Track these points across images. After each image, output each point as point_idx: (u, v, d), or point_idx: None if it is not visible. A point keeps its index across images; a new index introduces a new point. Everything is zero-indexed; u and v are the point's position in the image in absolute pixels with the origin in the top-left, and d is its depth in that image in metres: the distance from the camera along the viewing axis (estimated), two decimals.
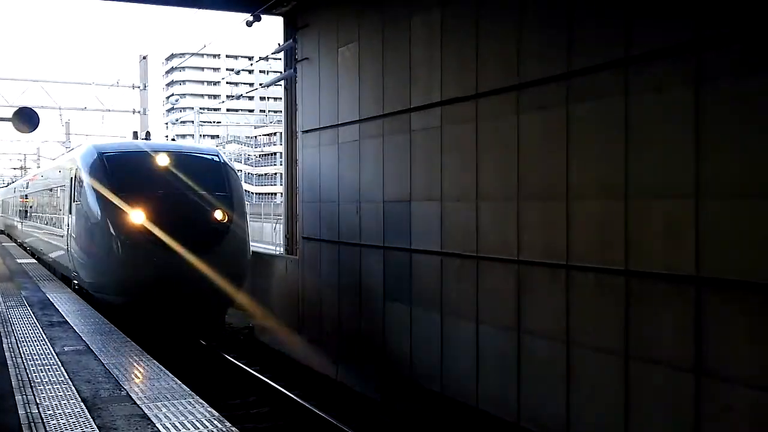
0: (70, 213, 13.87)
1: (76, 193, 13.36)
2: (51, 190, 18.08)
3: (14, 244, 29.00)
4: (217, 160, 13.95)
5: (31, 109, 15.75)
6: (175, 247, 11.47)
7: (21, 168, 60.35)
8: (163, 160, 12.69)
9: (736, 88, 6.39)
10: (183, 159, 13.25)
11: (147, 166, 12.64)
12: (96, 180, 12.38)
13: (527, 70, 9.14)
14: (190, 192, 12.43)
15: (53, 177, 17.79)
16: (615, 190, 7.48)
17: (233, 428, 5.47)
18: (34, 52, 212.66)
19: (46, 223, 18.68)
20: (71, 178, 13.89)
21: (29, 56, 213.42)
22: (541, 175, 8.91)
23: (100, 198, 12.15)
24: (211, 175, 13.20)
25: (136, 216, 11.76)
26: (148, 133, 15.35)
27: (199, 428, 5.44)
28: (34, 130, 15.78)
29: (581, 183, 8.03)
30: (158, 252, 11.54)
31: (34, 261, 20.39)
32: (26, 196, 25.68)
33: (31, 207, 23.73)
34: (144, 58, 28.16)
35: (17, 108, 15.63)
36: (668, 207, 6.97)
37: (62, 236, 14.97)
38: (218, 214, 12.36)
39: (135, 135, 16.28)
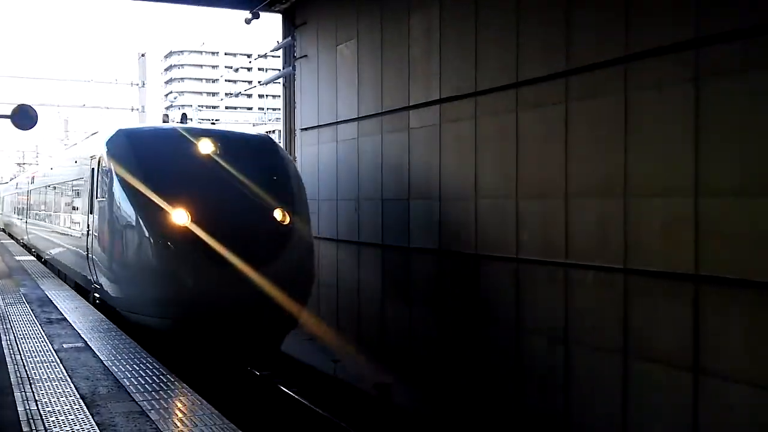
0: (91, 212, 11.41)
1: (99, 188, 10.99)
2: (63, 184, 15.63)
3: (12, 241, 28.97)
4: (272, 146, 11.45)
5: (30, 106, 15.71)
6: (228, 257, 9.09)
7: (20, 164, 60.17)
8: (207, 147, 10.36)
9: None
10: (233, 146, 10.83)
11: (189, 154, 10.27)
12: (127, 171, 10.02)
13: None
14: (243, 186, 10.06)
15: (66, 169, 15.28)
16: None
17: (230, 424, 5.49)
18: (32, 50, 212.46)
19: (58, 223, 16.16)
20: (92, 169, 11.52)
21: (28, 54, 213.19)
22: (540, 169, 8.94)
23: (133, 193, 9.79)
24: (268, 166, 10.80)
25: (179, 216, 9.36)
26: (184, 116, 12.44)
27: (197, 424, 5.45)
28: (33, 127, 15.74)
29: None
30: (208, 262, 9.14)
31: (32, 258, 20.37)
32: (30, 192, 23.29)
33: (37, 204, 21.21)
34: (142, 55, 28.15)
35: (16, 105, 15.56)
36: None
37: (79, 239, 12.50)
38: (278, 214, 9.98)
39: (166, 118, 13.49)
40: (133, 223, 9.77)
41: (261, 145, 11.43)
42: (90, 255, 11.36)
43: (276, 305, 9.25)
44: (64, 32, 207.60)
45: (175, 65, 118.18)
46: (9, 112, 15.31)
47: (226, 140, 10.87)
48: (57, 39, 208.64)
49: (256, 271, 9.10)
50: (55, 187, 17.00)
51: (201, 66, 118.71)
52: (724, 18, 6.67)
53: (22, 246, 25.30)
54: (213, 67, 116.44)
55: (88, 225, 11.54)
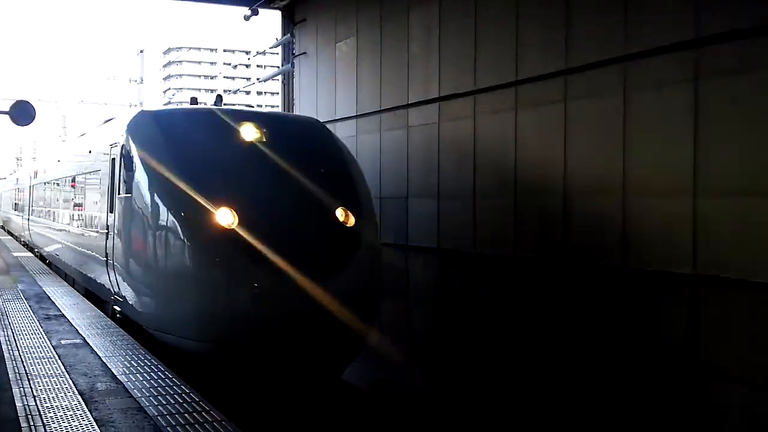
0: (111, 210, 9.75)
1: (121, 182, 9.30)
2: (73, 178, 13.78)
3: (10, 237, 28.95)
4: (326, 131, 9.89)
5: (28, 102, 15.69)
6: (284, 266, 7.57)
7: (18, 158, 60.06)
8: (253, 132, 8.79)
9: None
10: (282, 130, 9.29)
11: (232, 140, 8.68)
12: (158, 161, 8.38)
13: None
14: (299, 180, 8.46)
15: (78, 161, 13.44)
16: None
17: (229, 424, 5.49)
18: (31, 46, 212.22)
19: (67, 222, 14.36)
20: (112, 160, 9.87)
21: (26, 50, 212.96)
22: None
23: (166, 188, 8.19)
24: (324, 155, 9.24)
25: (223, 215, 7.79)
26: (219, 98, 10.62)
27: (196, 421, 5.46)
28: (31, 123, 15.73)
29: None
30: (259, 273, 7.63)
31: (30, 254, 20.35)
32: (33, 187, 21.46)
33: (41, 200, 19.37)
34: (141, 52, 28.13)
35: (14, 101, 15.55)
36: None
37: (95, 240, 10.75)
38: (340, 214, 8.40)
39: (194, 101, 10.98)
40: (167, 224, 8.12)
41: (313, 129, 9.80)
42: (110, 260, 9.61)
43: (341, 325, 7.69)
44: (62, 28, 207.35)
45: (173, 62, 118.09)
46: (7, 108, 15.31)
47: (274, 124, 9.29)
48: (55, 35, 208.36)
49: (317, 283, 7.60)
50: (63, 181, 15.21)
51: (199, 63, 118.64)
52: None
53: (23, 244, 24.40)
54: (211, 63, 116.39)
55: (108, 225, 9.87)
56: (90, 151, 12.12)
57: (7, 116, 15.27)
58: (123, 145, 9.30)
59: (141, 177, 8.58)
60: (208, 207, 7.81)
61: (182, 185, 7.99)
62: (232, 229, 7.71)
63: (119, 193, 9.37)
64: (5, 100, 25.90)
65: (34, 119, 15.67)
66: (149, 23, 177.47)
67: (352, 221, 8.39)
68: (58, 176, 16.06)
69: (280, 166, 8.52)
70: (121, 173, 9.29)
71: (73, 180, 13.70)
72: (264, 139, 8.77)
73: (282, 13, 16.84)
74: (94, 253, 10.82)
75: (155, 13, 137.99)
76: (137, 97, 28.96)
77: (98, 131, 12.60)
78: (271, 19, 17.76)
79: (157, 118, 9.32)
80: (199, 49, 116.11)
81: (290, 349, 7.61)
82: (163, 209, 8.25)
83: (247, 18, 16.33)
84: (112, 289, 9.72)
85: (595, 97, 8.16)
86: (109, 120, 12.42)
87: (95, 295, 11.38)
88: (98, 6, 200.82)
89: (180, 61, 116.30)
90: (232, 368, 7.61)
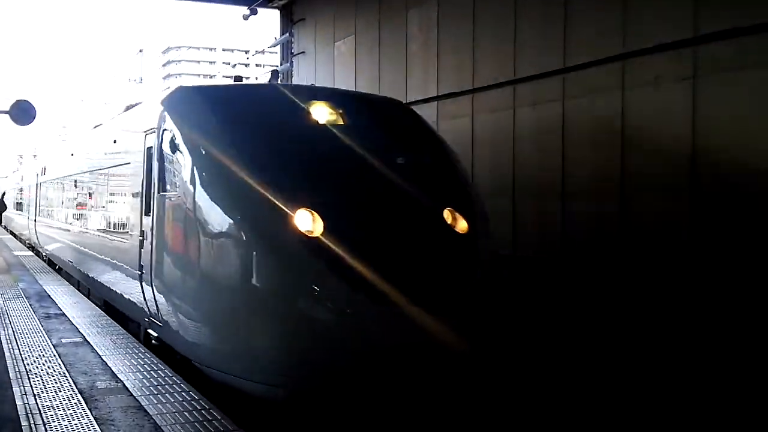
0: (147, 212, 7.79)
1: (161, 176, 7.42)
2: (92, 173, 11.80)
3: (11, 236, 28.93)
4: (416, 116, 8.08)
5: (28, 101, 15.71)
6: (385, 287, 5.72)
7: (20, 156, 59.98)
8: (330, 114, 7.08)
9: None
10: (366, 113, 7.61)
11: (308, 124, 6.98)
12: (217, 150, 6.51)
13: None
14: (395, 175, 6.71)
15: (100, 153, 11.36)
16: None
17: (225, 417, 5.52)
18: (30, 46, 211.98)
19: (83, 225, 12.41)
20: (147, 149, 7.98)
21: (26, 49, 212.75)
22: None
23: (228, 185, 6.34)
24: (418, 143, 7.47)
25: (302, 219, 5.96)
26: (275, 73, 9.05)
27: (195, 419, 5.49)
28: (31, 122, 15.75)
29: None
30: (355, 295, 5.71)
31: (30, 253, 20.37)
32: (41, 185, 19.55)
33: (50, 200, 17.50)
34: (140, 51, 28.16)
35: (14, 101, 15.58)
36: None
37: (124, 248, 8.85)
38: (447, 216, 6.55)
39: (238, 80, 8.74)
40: (229, 231, 6.25)
41: (400, 111, 8.07)
42: (146, 273, 7.68)
43: (456, 359, 5.96)
44: (62, 28, 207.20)
45: (172, 61, 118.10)
46: (7, 108, 15.33)
47: (355, 104, 7.61)
48: (55, 35, 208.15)
49: (427, 309, 5.73)
50: (79, 178, 13.27)
51: (198, 62, 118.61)
52: None
53: (28, 247, 22.88)
54: (210, 63, 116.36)
55: (143, 231, 7.92)
56: (115, 141, 10.20)
57: (6, 116, 15.30)
58: (163, 131, 7.35)
59: (191, 170, 6.66)
60: (284, 209, 5.98)
61: (250, 180, 6.19)
62: (316, 237, 5.87)
63: (159, 191, 7.44)
64: (5, 99, 25.79)
65: (34, 119, 15.69)
66: (148, 23, 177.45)
67: (462, 225, 6.52)
68: (73, 172, 14.09)
69: (370, 155, 6.74)
70: (162, 166, 7.40)
71: (92, 175, 11.79)
72: (344, 123, 7.07)
73: (281, 13, 16.88)
74: (120, 263, 9.01)
75: (154, 13, 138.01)
76: (137, 96, 29.00)
77: (124, 118, 10.62)
78: (269, 19, 17.80)
79: (207, 95, 7.34)
80: (198, 48, 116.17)
81: (399, 397, 5.79)
82: (223, 212, 6.32)
83: (246, 17, 16.38)
84: (146, 309, 7.83)
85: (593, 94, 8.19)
86: (134, 106, 10.80)
87: (112, 307, 10.05)
88: (98, 5, 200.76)
89: (179, 61, 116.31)
90: (311, 417, 5.96)
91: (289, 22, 16.49)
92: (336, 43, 14.17)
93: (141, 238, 7.97)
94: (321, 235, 5.90)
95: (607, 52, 8.04)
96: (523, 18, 9.27)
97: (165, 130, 7.33)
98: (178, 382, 6.53)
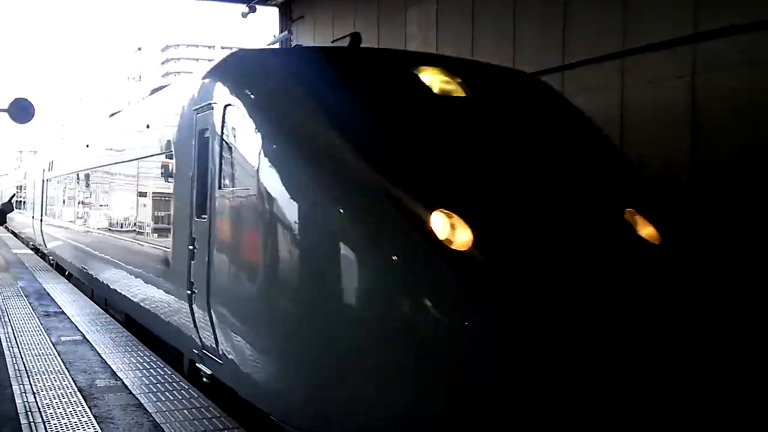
0: (200, 214, 6.03)
1: (221, 167, 5.68)
2: (117, 165, 9.98)
3: (10, 234, 28.91)
4: (559, 95, 6.57)
5: (26, 99, 15.72)
6: (573, 321, 3.95)
7: (20, 152, 60.00)
8: (463, 88, 5.48)
9: None
10: (506, 89, 5.99)
11: (434, 99, 5.29)
12: (311, 129, 4.84)
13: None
14: (560, 165, 5.11)
15: (127, 142, 9.53)
16: None
17: (227, 417, 5.53)
18: (29, 44, 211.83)
19: (105, 227, 10.45)
20: (200, 133, 6.16)
21: (25, 47, 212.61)
22: None
23: (332, 180, 4.53)
24: (573, 126, 5.85)
25: (443, 227, 4.16)
26: (357, 36, 6.46)
27: (195, 416, 5.50)
28: (30, 120, 15.75)
29: None
30: (530, 335, 3.86)
31: (30, 251, 20.36)
32: (48, 181, 17.53)
33: (60, 198, 15.57)
34: (139, 49, 28.12)
35: (13, 99, 15.58)
36: None
37: (162, 258, 7.17)
38: (637, 223, 4.81)
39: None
40: (338, 243, 4.38)
41: (540, 88, 6.39)
42: (199, 293, 5.92)
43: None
44: (61, 27, 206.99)
45: (171, 59, 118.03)
46: (6, 106, 15.34)
47: (488, 77, 6.02)
48: (54, 33, 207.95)
49: (640, 349, 3.99)
50: (98, 173, 11.37)
51: (197, 60, 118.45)
52: None
53: (32, 249, 21.54)
54: (209, 60, 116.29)
55: (193, 237, 6.16)
56: (148, 126, 8.42)
57: (5, 114, 15.30)
58: (226, 107, 5.55)
59: (275, 159, 4.93)
60: (416, 211, 4.20)
61: (362, 172, 4.46)
62: (466, 251, 4.08)
63: (219, 187, 5.69)
64: (4, 97, 25.74)
65: (33, 117, 15.69)
66: (147, 21, 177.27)
67: (650, 232, 4.74)
68: (89, 166, 12.07)
69: (520, 139, 5.21)
70: (224, 155, 5.64)
71: (117, 167, 10.00)
72: (483, 97, 5.52)
73: (279, 11, 16.87)
74: (156, 276, 7.39)
75: (153, 11, 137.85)
76: (136, 94, 28.95)
77: (162, 96, 8.62)
78: (268, 17, 17.81)
79: (291, 59, 5.81)
80: (197, 46, 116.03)
81: None
82: (327, 216, 4.47)
83: (244, 15, 16.37)
84: (196, 338, 6.13)
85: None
86: (162, 87, 9.27)
87: (134, 321, 8.80)
88: (97, 4, 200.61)
89: (178, 59, 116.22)
90: None
91: (287, 20, 16.48)
92: (334, 41, 14.17)
93: (190, 246, 6.15)
94: (474, 249, 4.09)
95: (606, 51, 8.03)
96: (523, 17, 9.27)
97: (229, 105, 5.51)
98: (177, 380, 6.55)
